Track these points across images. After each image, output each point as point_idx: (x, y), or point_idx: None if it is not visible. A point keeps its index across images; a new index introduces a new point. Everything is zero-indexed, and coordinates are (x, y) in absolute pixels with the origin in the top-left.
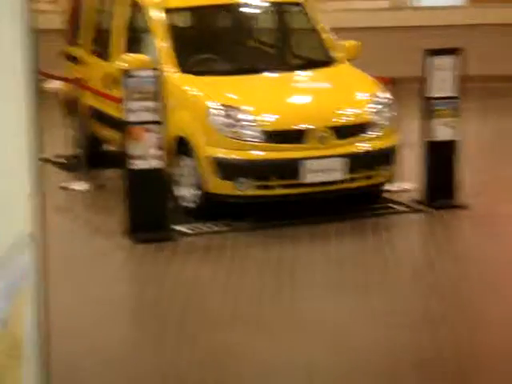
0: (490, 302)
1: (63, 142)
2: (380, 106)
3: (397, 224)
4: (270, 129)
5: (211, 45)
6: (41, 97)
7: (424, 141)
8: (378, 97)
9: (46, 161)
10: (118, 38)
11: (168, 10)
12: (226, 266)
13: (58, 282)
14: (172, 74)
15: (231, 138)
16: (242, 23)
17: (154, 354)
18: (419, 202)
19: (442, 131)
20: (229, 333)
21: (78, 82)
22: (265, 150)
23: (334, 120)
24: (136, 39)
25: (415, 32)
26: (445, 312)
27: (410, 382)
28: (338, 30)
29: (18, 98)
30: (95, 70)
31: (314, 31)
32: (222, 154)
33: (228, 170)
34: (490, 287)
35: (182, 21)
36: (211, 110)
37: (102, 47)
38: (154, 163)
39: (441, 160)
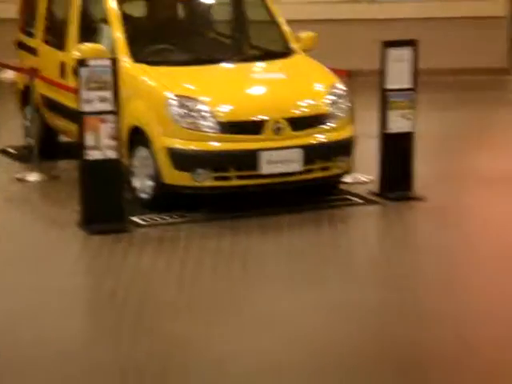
0: (445, 292)
1: (19, 132)
2: (336, 98)
3: (353, 215)
4: (226, 120)
5: (167, 35)
6: None
7: (381, 132)
8: (334, 88)
9: (0, 151)
10: (73, 28)
11: (122, 0)
12: (181, 257)
13: (12, 273)
14: (125, 63)
15: (188, 128)
16: (199, 14)
17: (111, 346)
18: (376, 194)
19: (399, 123)
20: (185, 323)
21: (32, 72)
22: (222, 141)
23: (290, 111)
24: (91, 29)
25: (372, 25)
26: (400, 302)
27: (360, 373)
28: (295, 22)
29: None
30: (50, 59)
31: (273, 23)
32: (178, 144)
33: (185, 161)
34: (444, 277)
35: (137, 11)
36: (168, 101)
37: (56, 37)
38: (109, 153)
39: (397, 152)
